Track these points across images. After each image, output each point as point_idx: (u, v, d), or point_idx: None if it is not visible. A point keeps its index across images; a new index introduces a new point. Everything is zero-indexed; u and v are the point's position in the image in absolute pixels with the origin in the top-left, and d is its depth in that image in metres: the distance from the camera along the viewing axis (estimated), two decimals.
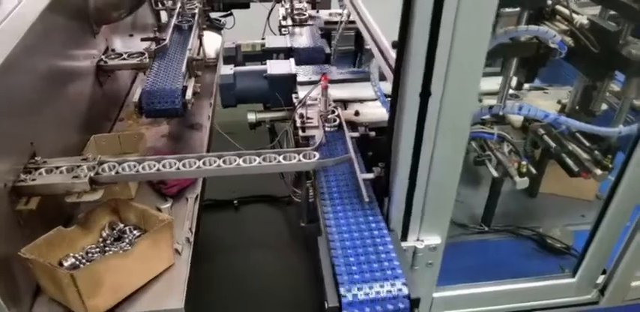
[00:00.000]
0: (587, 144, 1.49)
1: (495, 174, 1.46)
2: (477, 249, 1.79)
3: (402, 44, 1.00)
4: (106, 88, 2.07)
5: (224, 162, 1.42)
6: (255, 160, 1.42)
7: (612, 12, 1.46)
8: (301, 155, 1.43)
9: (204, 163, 1.42)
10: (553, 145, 1.49)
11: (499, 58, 1.54)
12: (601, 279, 1.49)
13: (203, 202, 1.82)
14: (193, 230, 1.58)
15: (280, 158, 1.42)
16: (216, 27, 2.94)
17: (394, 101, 1.07)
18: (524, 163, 1.37)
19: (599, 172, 1.39)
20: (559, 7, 1.45)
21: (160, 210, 1.58)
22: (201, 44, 2.53)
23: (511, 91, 1.78)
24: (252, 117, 2.03)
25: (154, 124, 2.16)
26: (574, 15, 1.40)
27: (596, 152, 1.44)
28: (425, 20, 0.95)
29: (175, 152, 1.88)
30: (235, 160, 1.42)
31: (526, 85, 1.79)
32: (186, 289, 1.39)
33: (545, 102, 1.76)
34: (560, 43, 1.34)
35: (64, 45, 1.75)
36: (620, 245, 1.41)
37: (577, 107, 1.66)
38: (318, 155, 1.43)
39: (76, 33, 1.87)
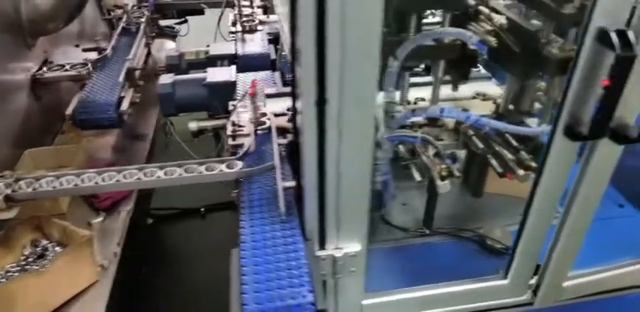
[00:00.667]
0: (515, 144, 1.47)
1: (418, 178, 1.44)
2: (419, 252, 1.77)
3: (293, 50, 0.99)
4: (45, 100, 2.03)
5: (145, 175, 1.40)
6: (176, 171, 1.40)
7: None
8: (224, 165, 1.42)
9: (124, 177, 1.39)
10: (481, 146, 1.48)
11: (425, 60, 1.54)
12: (535, 279, 1.47)
13: (166, 211, 1.79)
14: (121, 244, 1.56)
15: (202, 169, 1.40)
16: (170, 34, 2.92)
17: (294, 109, 1.05)
18: (444, 166, 1.36)
19: (521, 172, 1.37)
20: (482, 8, 1.44)
21: (90, 225, 1.56)
22: (149, 53, 2.51)
23: (450, 92, 1.78)
24: (193, 125, 2.00)
25: (98, 135, 2.13)
26: (494, 15, 1.38)
27: (521, 152, 1.43)
28: (309, 27, 0.93)
29: (116, 164, 1.86)
30: (156, 173, 1.40)
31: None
32: (112, 305, 1.37)
33: (482, 102, 1.75)
34: (479, 44, 1.33)
35: None
36: (548, 245, 1.40)
37: (510, 107, 1.65)
38: (241, 164, 1.41)
39: (7, 46, 1.84)
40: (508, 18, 1.38)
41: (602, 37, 1.00)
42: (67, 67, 2.00)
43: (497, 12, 1.43)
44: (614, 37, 0.98)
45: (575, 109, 1.12)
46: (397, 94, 1.50)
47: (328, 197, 1.17)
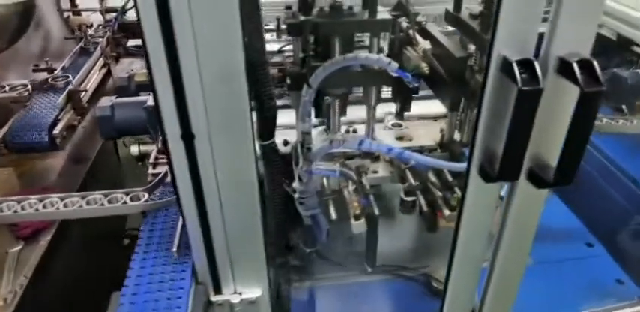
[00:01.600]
0: (450, 180, 1.35)
1: (334, 216, 1.32)
2: (357, 292, 1.64)
3: (151, 81, 0.89)
4: None
5: (44, 206, 1.30)
6: (77, 203, 1.30)
7: None
8: (129, 197, 1.32)
9: (22, 208, 1.30)
10: (412, 181, 1.36)
11: (352, 87, 1.43)
12: None
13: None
14: (28, 276, 1.46)
15: (105, 201, 1.30)
16: (138, 54, 2.86)
17: (165, 143, 0.95)
18: (356, 204, 1.24)
19: (447, 212, 1.25)
20: (412, 32, 1.34)
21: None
22: (109, 73, 2.45)
23: (394, 121, 1.67)
24: (134, 149, 1.91)
25: (41, 158, 2.06)
26: (420, 39, 1.28)
27: (454, 189, 1.30)
28: (160, 59, 0.83)
29: (55, 189, 1.78)
30: (57, 204, 1.31)
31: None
32: None
33: (428, 131, 1.63)
34: (400, 71, 1.22)
35: None
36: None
37: (456, 137, 1.53)
38: (146, 196, 1.31)
39: None
40: (435, 43, 1.27)
41: (506, 67, 0.89)
42: (7, 88, 1.94)
43: (429, 36, 1.32)
44: (515, 68, 0.87)
45: (487, 146, 0.99)
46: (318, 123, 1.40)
47: (215, 238, 1.06)
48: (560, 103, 0.91)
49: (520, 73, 0.86)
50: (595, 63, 0.85)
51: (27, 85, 1.98)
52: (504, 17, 0.86)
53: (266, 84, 0.99)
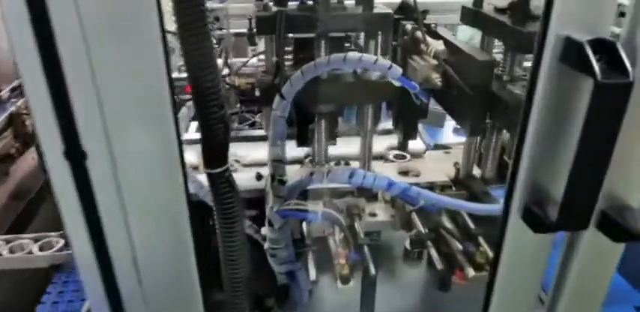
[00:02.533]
0: (472, 227, 1.01)
1: (313, 276, 0.97)
2: None
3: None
4: None
5: None
6: None
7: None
8: (38, 244, 0.97)
9: None
10: (421, 228, 1.02)
11: (344, 104, 1.12)
12: None
13: None
14: None
15: (6, 249, 0.96)
16: None
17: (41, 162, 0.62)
18: (342, 261, 0.89)
19: (471, 272, 0.90)
20: (419, 34, 1.03)
21: None
22: None
23: (396, 152, 1.35)
24: None
25: None
26: (430, 40, 0.97)
27: (479, 240, 0.96)
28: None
29: None
30: None
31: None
32: None
33: (439, 165, 1.30)
34: (405, 80, 0.91)
35: None
36: None
37: (476, 172, 1.21)
38: (60, 244, 0.97)
39: None
40: (449, 44, 0.96)
41: (571, 53, 0.57)
42: None
43: (439, 37, 1.02)
44: (590, 52, 0.55)
45: (536, 180, 0.66)
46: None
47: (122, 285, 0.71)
48: None
49: (597, 60, 0.54)
50: None
51: None
52: None
53: (211, 93, 0.68)
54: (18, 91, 1.88)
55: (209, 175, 0.80)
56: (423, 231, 1.01)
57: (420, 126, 1.60)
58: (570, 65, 0.57)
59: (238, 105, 1.45)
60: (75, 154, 0.58)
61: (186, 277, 0.71)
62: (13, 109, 1.67)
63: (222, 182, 0.80)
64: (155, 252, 0.67)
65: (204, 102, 0.70)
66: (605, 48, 0.56)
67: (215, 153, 0.78)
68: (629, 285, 1.56)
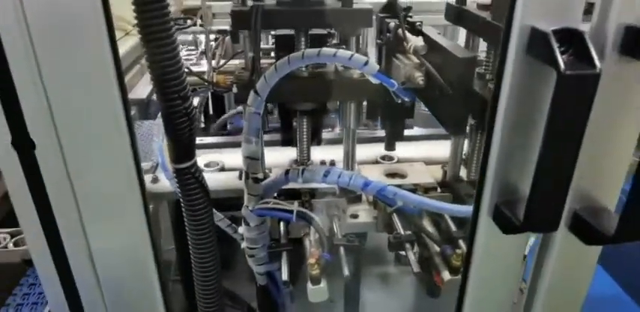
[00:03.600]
0: (454, 230, 0.98)
1: (284, 277, 0.94)
2: None
3: None
4: None
5: None
6: None
7: None
8: (13, 239, 0.96)
9: None
10: (400, 229, 0.99)
11: (323, 101, 1.09)
12: None
13: None
14: None
15: None
16: None
17: None
18: (312, 261, 0.86)
19: (446, 275, 0.87)
20: (400, 31, 1.01)
21: None
22: None
23: (384, 152, 1.32)
24: None
25: None
26: (410, 37, 0.95)
27: (458, 242, 0.93)
28: None
29: None
30: None
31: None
32: None
33: (428, 167, 1.27)
34: (382, 77, 0.89)
35: None
36: None
37: (462, 173, 1.18)
38: None
39: None
40: (433, 46, 0.94)
41: (537, 44, 0.55)
42: None
43: (420, 34, 1.00)
44: (554, 42, 0.52)
45: (505, 178, 0.64)
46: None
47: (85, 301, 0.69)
48: (627, 102, 0.55)
49: (561, 52, 0.52)
50: None
51: None
52: None
53: (175, 84, 0.67)
54: None
55: (176, 171, 0.78)
56: (402, 233, 0.98)
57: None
58: (535, 57, 0.55)
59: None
60: (24, 145, 0.57)
61: (144, 271, 0.69)
62: None
63: (188, 178, 0.78)
64: (110, 244, 0.65)
65: (167, 94, 0.69)
66: (571, 38, 0.53)
67: (181, 147, 0.76)
68: (629, 296, 1.52)
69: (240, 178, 1.21)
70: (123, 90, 0.57)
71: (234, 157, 1.28)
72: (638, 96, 0.55)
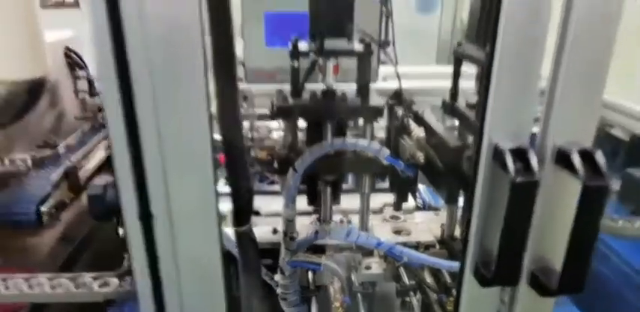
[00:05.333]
0: (448, 280, 1.21)
1: None
2: None
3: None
4: None
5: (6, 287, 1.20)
6: (44, 285, 1.20)
7: None
8: (97, 282, 1.21)
9: None
10: (406, 280, 1.22)
11: (344, 173, 1.36)
12: None
13: None
14: None
15: (71, 285, 1.19)
16: None
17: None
18: (337, 304, 1.10)
19: None
20: (408, 119, 1.29)
21: None
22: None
23: (392, 212, 1.57)
24: (122, 232, 1.83)
25: (31, 235, 1.98)
26: (414, 127, 1.22)
27: (452, 291, 1.16)
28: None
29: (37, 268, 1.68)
30: (20, 285, 1.20)
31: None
32: None
33: (429, 225, 1.52)
34: (391, 159, 1.16)
35: None
36: None
37: (457, 233, 1.42)
38: (115, 282, 1.20)
39: None
40: (431, 132, 1.21)
41: (498, 156, 0.81)
42: (7, 162, 1.92)
43: (425, 125, 1.27)
44: (508, 157, 0.79)
45: (482, 244, 0.88)
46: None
47: None
48: (561, 198, 0.81)
49: (514, 163, 0.78)
50: (598, 154, 0.77)
51: (26, 160, 1.97)
52: (495, 99, 0.80)
53: (241, 166, 0.93)
54: (73, 148, 2.18)
55: (236, 232, 1.03)
56: (407, 283, 1.22)
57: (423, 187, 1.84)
58: (497, 165, 0.81)
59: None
60: (146, 217, 0.83)
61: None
62: (69, 164, 1.95)
63: (246, 239, 1.03)
64: (194, 292, 0.89)
65: (236, 176, 0.95)
66: (522, 154, 0.79)
67: (241, 214, 1.02)
68: None
69: (273, 233, 1.46)
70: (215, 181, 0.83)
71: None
72: (568, 195, 0.80)
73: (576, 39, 0.77)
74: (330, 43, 1.13)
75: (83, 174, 2.08)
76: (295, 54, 1.14)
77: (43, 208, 1.74)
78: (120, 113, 0.77)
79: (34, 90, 2.01)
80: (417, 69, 2.29)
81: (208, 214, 0.85)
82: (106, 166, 2.34)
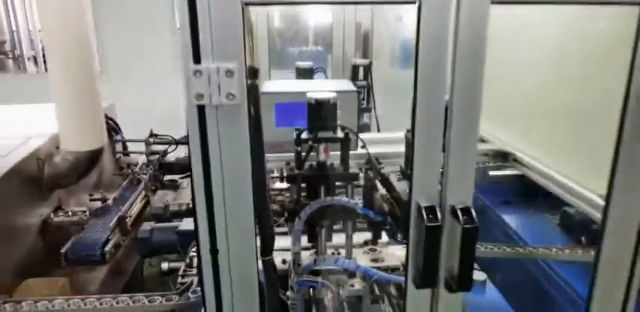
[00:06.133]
0: None
1: None
2: None
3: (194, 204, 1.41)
4: (51, 239, 2.48)
5: (100, 303, 1.75)
6: (124, 301, 1.74)
7: None
8: (164, 298, 1.76)
9: (84, 304, 1.74)
10: (377, 291, 1.79)
11: (334, 220, 1.94)
12: None
13: None
14: None
15: (146, 300, 1.74)
16: (172, 186, 3.46)
17: (198, 256, 1.44)
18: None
19: None
20: (376, 180, 1.88)
21: None
22: (148, 203, 3.02)
23: (371, 246, 2.14)
24: (165, 266, 2.38)
25: (89, 270, 2.53)
26: (379, 185, 1.82)
27: None
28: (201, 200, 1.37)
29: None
30: (109, 302, 1.75)
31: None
32: None
33: (396, 255, 2.08)
34: (364, 210, 1.74)
35: (13, 204, 2.23)
36: None
37: None
38: (177, 298, 1.75)
39: (26, 196, 2.36)
40: (393, 189, 1.80)
41: (418, 210, 1.40)
42: (70, 213, 2.49)
43: (389, 184, 1.86)
44: (423, 211, 1.37)
45: (416, 263, 1.46)
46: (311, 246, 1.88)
47: None
48: (453, 235, 1.39)
49: (427, 215, 1.36)
50: (472, 209, 1.36)
51: (85, 211, 2.53)
52: (417, 173, 1.39)
53: (267, 215, 1.51)
54: (117, 200, 2.75)
55: (263, 261, 1.60)
56: (378, 293, 1.78)
57: None
58: (418, 215, 1.39)
59: None
60: (214, 251, 1.40)
61: None
62: (120, 214, 2.52)
63: (269, 265, 1.60)
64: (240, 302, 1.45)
65: (263, 223, 1.52)
66: (432, 209, 1.38)
67: (266, 248, 1.59)
68: None
69: (282, 263, 2.02)
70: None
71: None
72: (457, 232, 1.37)
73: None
74: (322, 134, 1.74)
75: (129, 221, 2.64)
76: (298, 142, 1.74)
77: (107, 249, 2.30)
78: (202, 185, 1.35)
79: (94, 157, 2.60)
80: (394, 135, 2.90)
81: (249, 249, 1.42)
82: (142, 214, 2.91)
